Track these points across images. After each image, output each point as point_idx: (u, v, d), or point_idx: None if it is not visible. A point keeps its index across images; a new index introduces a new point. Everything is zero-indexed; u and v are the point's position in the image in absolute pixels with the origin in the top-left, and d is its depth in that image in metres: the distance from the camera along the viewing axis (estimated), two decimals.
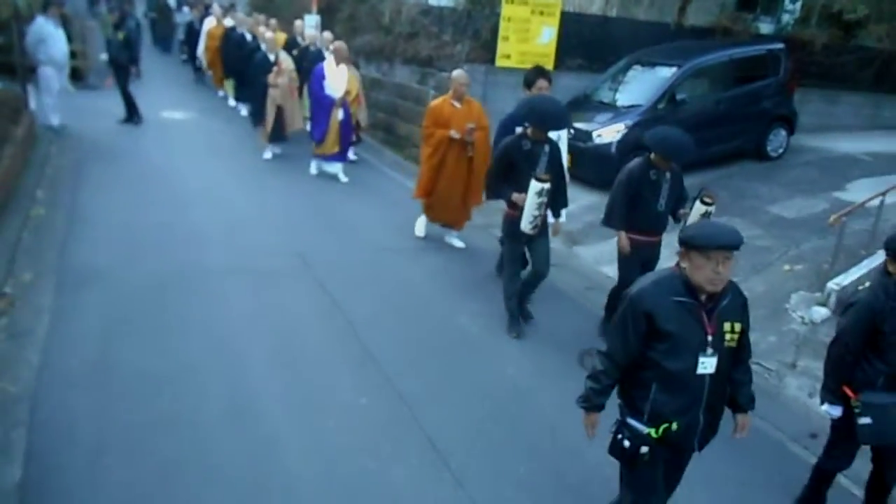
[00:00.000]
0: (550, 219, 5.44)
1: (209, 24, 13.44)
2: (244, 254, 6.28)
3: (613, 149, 8.44)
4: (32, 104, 9.45)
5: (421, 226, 7.28)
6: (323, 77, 8.56)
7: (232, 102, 12.76)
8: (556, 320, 5.62)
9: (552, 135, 5.38)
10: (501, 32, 9.28)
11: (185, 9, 18.74)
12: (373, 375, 4.47)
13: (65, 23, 10.83)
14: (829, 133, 11.57)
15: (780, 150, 9.84)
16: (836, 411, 3.50)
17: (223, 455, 3.59)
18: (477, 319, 5.48)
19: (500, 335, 5.27)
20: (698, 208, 4.78)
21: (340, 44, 8.87)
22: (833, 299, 5.72)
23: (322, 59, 9.31)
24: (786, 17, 13.16)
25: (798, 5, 13.36)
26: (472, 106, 6.87)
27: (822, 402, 3.56)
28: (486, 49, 9.53)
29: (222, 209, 7.44)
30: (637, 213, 5.00)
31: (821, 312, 5.66)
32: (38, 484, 3.28)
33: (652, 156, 4.95)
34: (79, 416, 3.77)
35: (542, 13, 9.42)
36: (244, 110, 11.67)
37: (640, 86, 9.03)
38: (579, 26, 10.13)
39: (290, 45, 10.86)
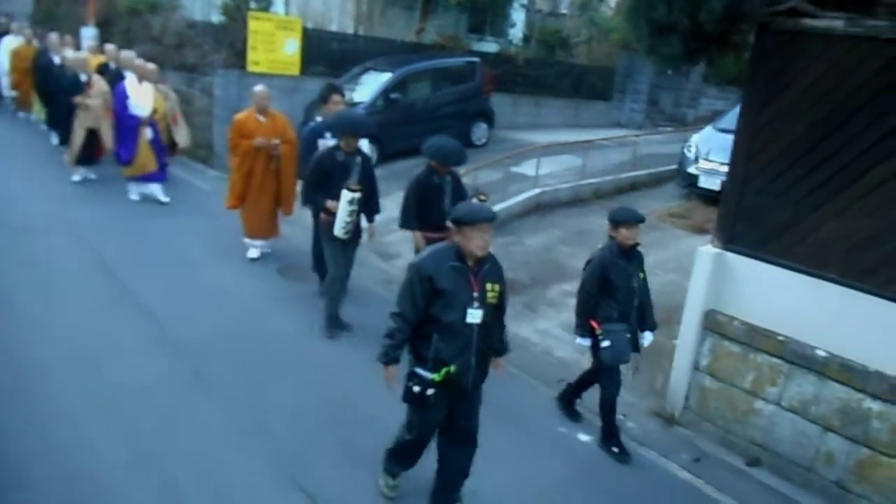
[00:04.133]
0: (365, 223, 5.88)
1: (12, 43, 12.83)
2: (5, 217, 7.59)
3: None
4: None
5: (252, 249, 7.39)
6: (126, 96, 8.47)
7: (44, 127, 11.86)
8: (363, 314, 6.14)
9: (366, 148, 5.97)
10: (250, 43, 11.12)
11: None
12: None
13: None
14: (536, 130, 14.66)
15: (483, 140, 12.61)
16: (586, 341, 4.65)
17: None
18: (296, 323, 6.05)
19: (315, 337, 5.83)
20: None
21: (143, 62, 8.96)
22: None
23: (120, 77, 9.31)
24: (514, 38, 16.34)
25: (517, 29, 16.64)
26: (276, 119, 7.09)
27: (577, 336, 4.73)
28: (239, 57, 11.31)
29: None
30: (427, 214, 5.65)
31: None
32: None
33: (432, 163, 5.62)
34: None
35: (285, 28, 11.42)
36: (55, 138, 10.87)
37: (366, 88, 11.31)
38: (321, 40, 12.27)
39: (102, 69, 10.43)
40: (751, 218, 4.79)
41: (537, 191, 9.55)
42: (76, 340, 5.23)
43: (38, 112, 12.15)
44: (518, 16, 16.56)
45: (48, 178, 9.55)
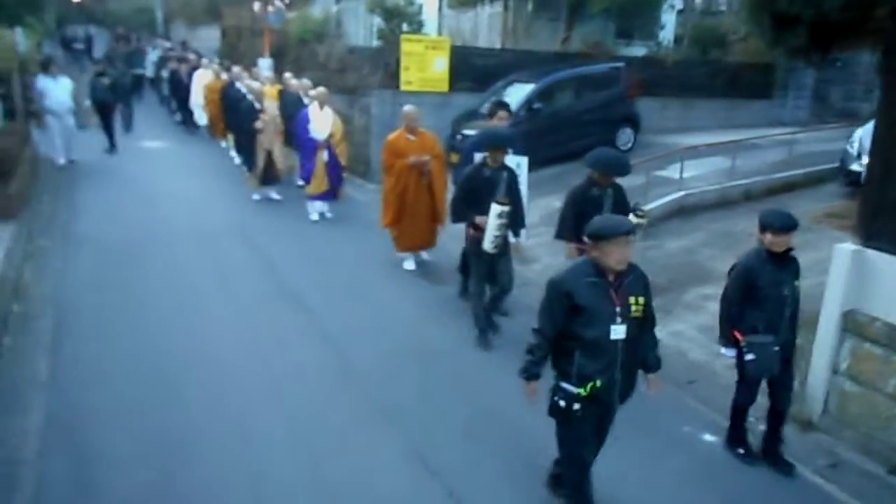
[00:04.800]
0: (512, 239, 5.94)
1: (205, 77, 14.12)
2: (194, 225, 8.87)
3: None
4: (35, 138, 11.96)
5: (410, 261, 7.76)
6: (308, 121, 9.12)
7: (232, 153, 12.95)
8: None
9: (513, 163, 5.94)
10: (403, 64, 11.96)
11: (152, 58, 20.21)
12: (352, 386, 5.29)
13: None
14: (687, 133, 14.20)
15: (629, 145, 12.49)
16: (731, 352, 4.36)
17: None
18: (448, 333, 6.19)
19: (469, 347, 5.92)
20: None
21: (322, 89, 9.54)
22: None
23: (300, 102, 10.25)
24: (664, 40, 16.04)
25: (667, 31, 16.28)
26: (425, 137, 7.39)
27: (721, 346, 4.47)
28: (394, 77, 12.19)
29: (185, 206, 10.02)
30: (583, 226, 5.73)
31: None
32: (66, 326, 5.79)
33: (594, 174, 5.53)
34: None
35: (434, 48, 12.14)
36: (237, 159, 12.08)
37: (511, 99, 11.59)
38: (468, 57, 12.87)
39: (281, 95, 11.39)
40: (893, 212, 4.53)
41: (681, 193, 9.38)
42: (243, 326, 6.12)
43: (229, 139, 13.12)
44: (668, 17, 16.18)
45: (233, 196, 10.91)
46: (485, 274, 5.80)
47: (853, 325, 4.75)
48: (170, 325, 6.05)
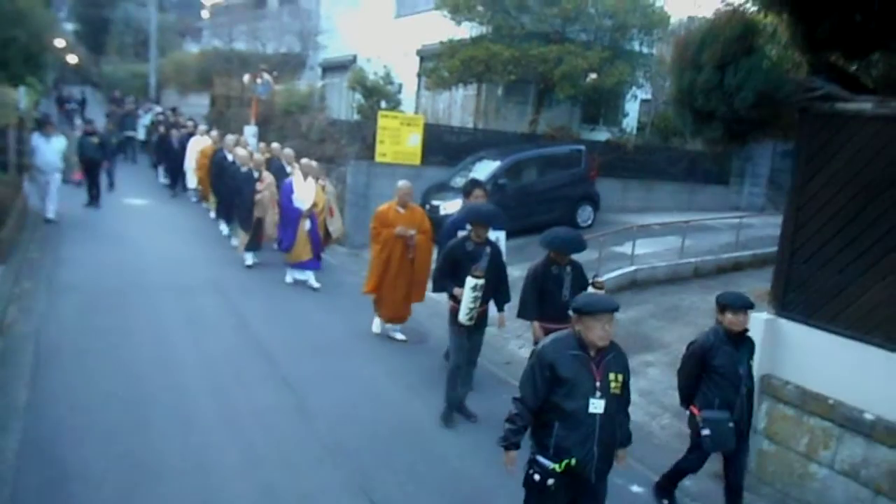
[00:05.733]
0: (495, 311, 6.03)
1: (201, 143, 14.26)
2: (172, 279, 9.22)
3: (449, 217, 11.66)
4: (26, 190, 12.33)
5: (376, 324, 7.91)
6: (291, 191, 9.29)
7: (213, 215, 13.38)
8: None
9: (492, 237, 5.98)
10: (379, 137, 12.67)
11: (144, 122, 20.78)
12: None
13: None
14: (647, 213, 14.98)
15: (589, 222, 13.18)
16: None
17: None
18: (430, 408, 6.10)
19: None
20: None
21: (308, 161, 9.74)
22: None
23: (283, 171, 10.56)
24: (627, 126, 17.06)
25: (631, 118, 17.35)
26: (414, 212, 7.56)
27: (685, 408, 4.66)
28: (369, 149, 12.87)
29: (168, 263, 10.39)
30: (545, 305, 5.63)
31: None
32: (46, 362, 6.06)
33: (551, 254, 5.68)
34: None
35: (409, 124, 12.90)
36: (224, 227, 12.29)
37: (478, 174, 12.37)
38: (441, 133, 13.66)
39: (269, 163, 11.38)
40: (800, 286, 5.08)
41: (633, 268, 9.95)
42: (209, 371, 6.41)
43: (211, 202, 13.51)
44: (631, 105, 17.26)
45: (211, 254, 11.27)
46: (462, 347, 5.75)
47: (769, 388, 5.21)
48: (142, 365, 6.36)
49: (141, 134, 20.75)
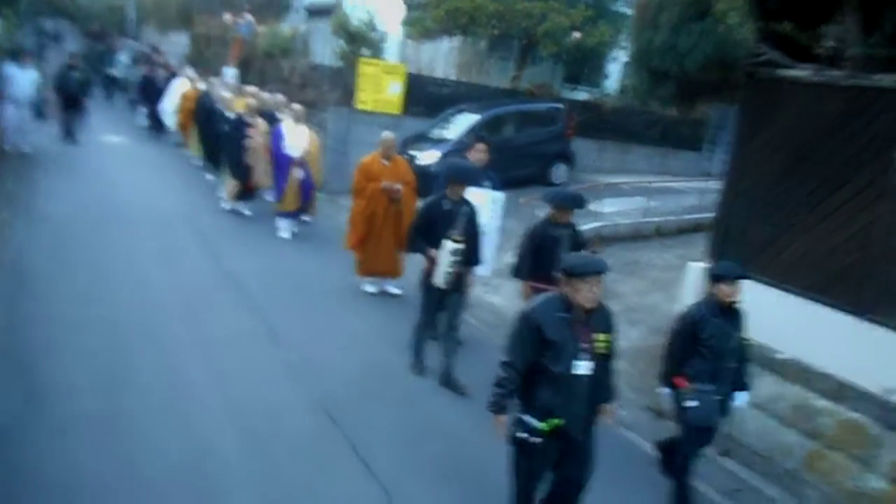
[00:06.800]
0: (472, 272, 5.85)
1: (183, 85, 13.81)
2: (150, 211, 9.49)
3: (432, 168, 11.96)
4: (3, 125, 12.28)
5: (369, 284, 7.67)
6: (282, 137, 9.01)
7: (197, 162, 13.00)
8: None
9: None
10: (359, 85, 12.83)
11: (122, 59, 20.19)
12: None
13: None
14: (620, 174, 15.34)
15: (563, 180, 13.48)
16: (666, 392, 4.38)
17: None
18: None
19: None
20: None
21: (299, 106, 9.39)
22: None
23: (274, 119, 10.02)
24: (608, 88, 17.33)
25: (612, 80, 17.60)
26: (399, 164, 7.43)
27: (661, 385, 4.46)
28: (350, 96, 13.04)
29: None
30: (540, 264, 5.50)
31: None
32: (24, 286, 6.38)
33: (551, 214, 5.56)
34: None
35: (390, 73, 13.05)
36: (209, 175, 11.97)
37: (457, 127, 12.67)
38: (423, 84, 13.83)
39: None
40: (735, 238, 5.52)
41: (598, 224, 10.36)
42: (182, 300, 6.75)
43: (194, 150, 13.02)
44: (614, 67, 17.49)
45: (190, 191, 11.51)
46: (433, 307, 5.75)
47: None
48: (118, 292, 6.66)
49: (119, 72, 20.34)
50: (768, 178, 5.22)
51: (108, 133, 15.40)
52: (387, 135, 7.46)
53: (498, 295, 8.27)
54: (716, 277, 4.28)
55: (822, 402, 4.79)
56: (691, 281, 5.71)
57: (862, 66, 4.79)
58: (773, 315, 5.14)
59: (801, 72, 5.02)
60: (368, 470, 4.44)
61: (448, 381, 5.70)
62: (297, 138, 9.14)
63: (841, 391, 4.68)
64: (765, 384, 5.16)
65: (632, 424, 5.72)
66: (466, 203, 5.66)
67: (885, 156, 4.58)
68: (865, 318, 4.65)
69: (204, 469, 4.19)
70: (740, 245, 5.45)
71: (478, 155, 6.60)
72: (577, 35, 13.95)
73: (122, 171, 12.13)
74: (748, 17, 5.27)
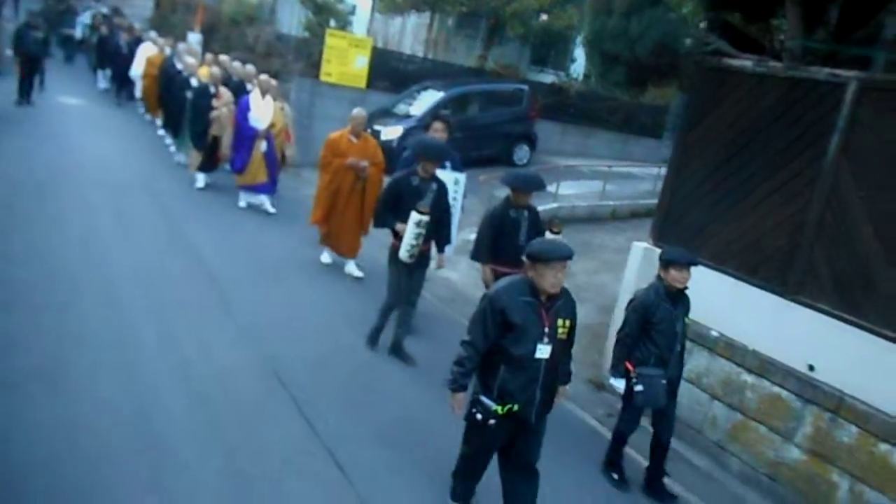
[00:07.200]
0: (434, 252, 5.88)
1: (148, 50, 13.46)
2: (106, 174, 9.37)
3: (395, 143, 12.02)
4: None
5: (325, 255, 7.77)
6: (248, 109, 8.91)
7: (160, 132, 12.68)
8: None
9: (450, 179, 5.94)
10: (325, 56, 12.77)
11: (83, 19, 19.57)
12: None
13: None
14: (581, 158, 15.59)
15: (525, 161, 13.72)
16: (620, 383, 4.46)
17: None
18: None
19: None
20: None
21: (266, 77, 9.35)
22: None
23: (243, 89, 9.97)
24: (574, 72, 17.48)
25: (578, 65, 17.77)
26: (367, 142, 7.35)
27: (612, 377, 4.55)
28: (315, 68, 12.98)
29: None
30: (500, 248, 5.56)
31: None
32: None
33: (511, 197, 5.54)
34: None
35: (356, 46, 13.02)
36: (169, 140, 11.78)
37: (420, 103, 12.72)
38: (389, 59, 13.82)
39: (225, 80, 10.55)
40: (676, 220, 5.75)
41: (555, 205, 10.59)
42: (136, 265, 6.74)
43: (158, 115, 12.72)
44: (580, 52, 17.66)
45: (148, 157, 11.37)
46: (401, 285, 5.67)
47: None
48: (70, 251, 6.65)
49: (79, 33, 19.81)
50: (710, 164, 5.45)
51: (66, 95, 15.06)
52: (358, 111, 7.39)
53: (455, 272, 8.44)
54: (667, 262, 4.38)
55: (747, 377, 5.06)
56: (635, 259, 5.93)
57: (801, 59, 5.01)
58: (708, 295, 5.39)
59: (745, 62, 5.23)
60: (313, 430, 4.57)
61: (398, 351, 5.81)
62: (263, 111, 9.04)
63: (765, 367, 4.95)
64: (697, 360, 5.42)
65: (572, 396, 5.94)
66: (437, 180, 5.64)
67: (818, 145, 4.83)
68: (791, 298, 4.91)
69: (150, 423, 4.26)
70: (680, 227, 5.69)
71: (435, 134, 6.48)
72: (544, 17, 14.08)
73: (79, 134, 11.92)
74: (699, 7, 5.41)
